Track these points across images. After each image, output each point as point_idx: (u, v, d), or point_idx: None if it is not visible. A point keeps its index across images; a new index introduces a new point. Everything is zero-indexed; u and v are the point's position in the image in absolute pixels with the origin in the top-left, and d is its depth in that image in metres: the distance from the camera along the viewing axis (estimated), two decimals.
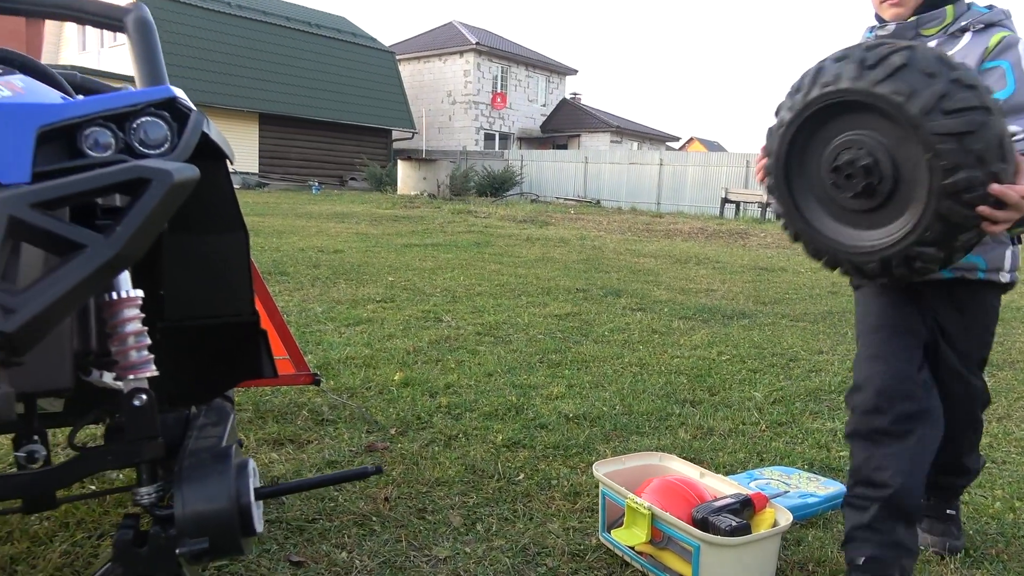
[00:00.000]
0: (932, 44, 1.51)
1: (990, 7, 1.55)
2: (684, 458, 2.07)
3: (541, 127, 31.36)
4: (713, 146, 53.87)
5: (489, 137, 29.47)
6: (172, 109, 0.89)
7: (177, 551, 0.82)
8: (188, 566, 0.88)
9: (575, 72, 32.85)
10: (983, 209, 1.22)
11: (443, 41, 29.72)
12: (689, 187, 20.79)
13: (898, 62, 1.25)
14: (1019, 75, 1.44)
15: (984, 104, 1.20)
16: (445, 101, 29.24)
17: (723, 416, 2.91)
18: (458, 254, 7.94)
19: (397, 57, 28.14)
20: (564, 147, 28.96)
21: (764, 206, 16.91)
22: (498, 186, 21.08)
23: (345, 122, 24.78)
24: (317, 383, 2.67)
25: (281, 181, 22.81)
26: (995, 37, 1.47)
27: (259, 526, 0.87)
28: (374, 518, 1.92)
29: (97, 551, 1.69)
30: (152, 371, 0.87)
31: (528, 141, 30.44)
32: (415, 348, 3.75)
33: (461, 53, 28.67)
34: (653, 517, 1.62)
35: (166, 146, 0.87)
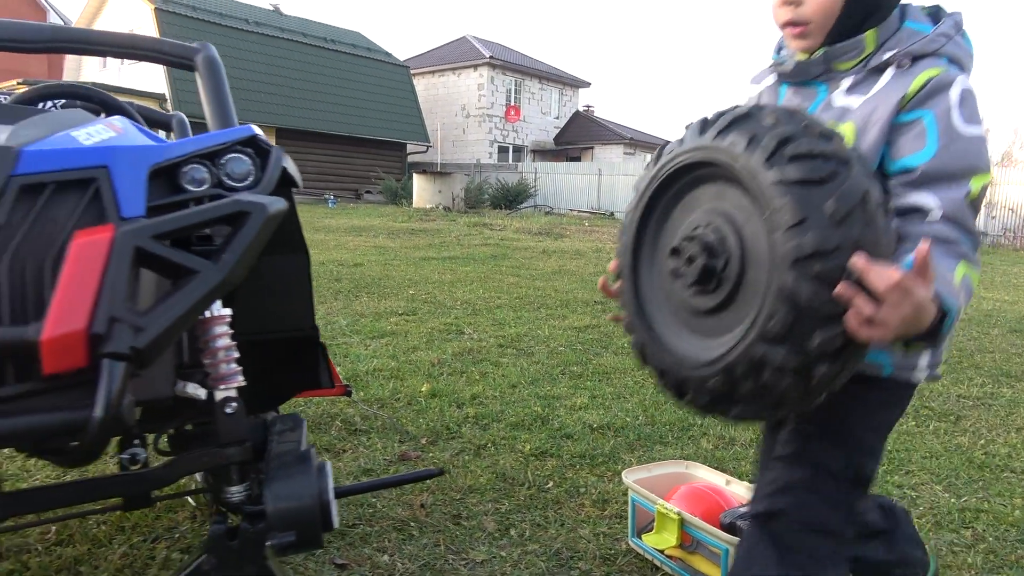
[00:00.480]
0: (847, 83, 1.19)
1: (933, 22, 1.19)
2: (709, 467, 2.14)
3: (554, 139, 31.54)
4: None
5: (503, 150, 29.67)
6: (254, 145, 0.99)
7: (268, 543, 0.91)
8: (273, 558, 0.96)
9: (588, 84, 33.05)
10: (843, 291, 0.92)
11: (457, 55, 30.01)
12: None
13: (739, 113, 1.08)
14: (944, 131, 1.08)
15: (841, 155, 0.98)
16: (459, 114, 29.49)
17: (744, 427, 2.97)
18: (476, 267, 8.04)
19: (412, 71, 28.45)
20: (577, 159, 29.10)
21: None
22: (512, 199, 21.21)
23: (360, 136, 25.07)
24: (348, 394, 2.76)
25: (297, 195, 23.03)
26: (919, 78, 1.11)
27: (336, 522, 0.96)
28: (412, 523, 2.01)
29: (153, 553, 1.78)
30: (240, 381, 0.97)
31: (542, 154, 30.60)
32: (439, 360, 3.84)
33: (475, 67, 28.94)
34: (683, 522, 1.70)
35: (251, 179, 0.97)
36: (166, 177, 0.88)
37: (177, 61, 1.32)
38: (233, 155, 0.95)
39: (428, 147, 27.20)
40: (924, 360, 1.20)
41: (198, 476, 1.93)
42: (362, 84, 25.75)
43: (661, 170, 1.18)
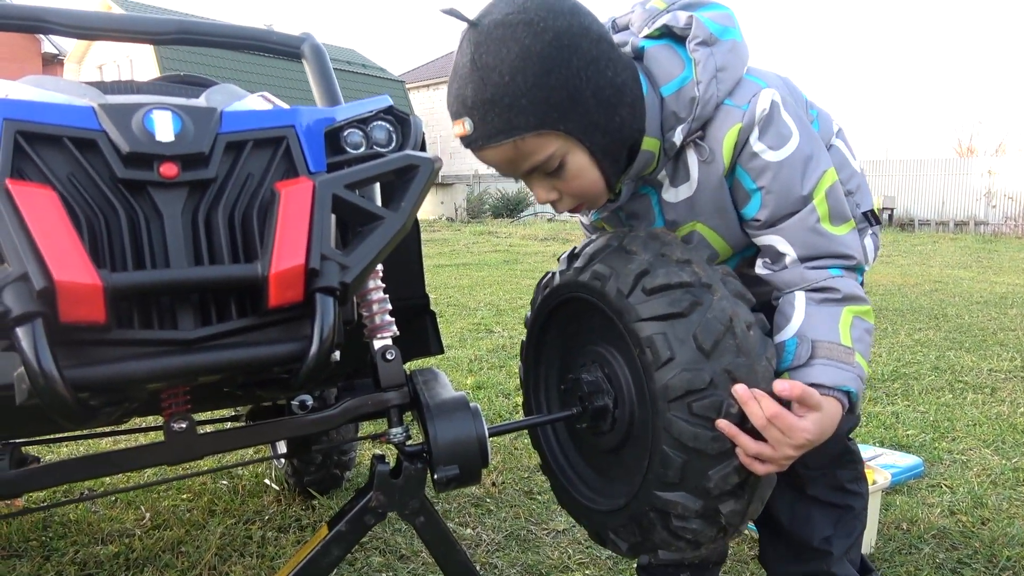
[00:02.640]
0: (665, 178, 1.11)
1: (679, 45, 1.05)
2: None
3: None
4: None
5: None
6: (392, 114, 1.06)
7: (435, 477, 0.98)
8: (432, 495, 1.03)
9: None
10: (724, 429, 0.89)
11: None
12: None
13: (599, 245, 1.05)
14: (758, 175, 1.01)
15: (701, 280, 0.94)
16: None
17: None
18: (490, 272, 8.11)
19: (407, 85, 28.61)
20: None
21: None
22: (513, 207, 21.32)
23: None
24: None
25: None
26: (727, 148, 1.02)
27: (490, 459, 1.03)
28: (488, 499, 2.07)
29: (249, 533, 1.84)
30: (395, 331, 1.04)
31: None
32: (476, 356, 3.90)
33: None
34: None
35: (392, 145, 1.04)
36: (331, 139, 0.95)
37: (284, 50, 1.39)
38: (378, 122, 1.03)
39: None
40: (871, 252, 1.21)
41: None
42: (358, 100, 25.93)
43: (542, 308, 1.19)
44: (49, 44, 32.04)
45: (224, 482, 2.18)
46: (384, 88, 27.07)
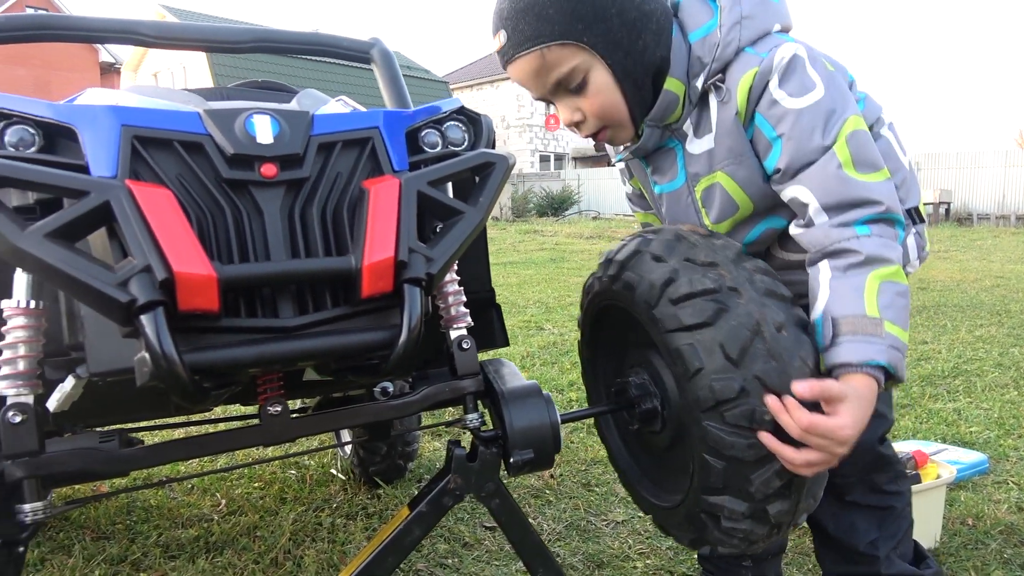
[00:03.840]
0: (689, 127, 1.12)
1: (711, 25, 1.06)
2: None
3: (595, 146, 31.57)
4: None
5: (544, 158, 29.81)
6: (464, 114, 1.11)
7: (511, 460, 1.02)
8: (507, 479, 1.08)
9: None
10: (765, 439, 0.89)
11: (494, 68, 30.30)
12: None
13: (628, 252, 1.05)
14: (778, 121, 1.01)
15: (724, 284, 0.93)
16: (499, 125, 29.75)
17: None
18: (538, 270, 8.14)
19: (451, 86, 28.83)
20: None
21: None
22: (557, 206, 21.32)
23: None
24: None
25: None
26: (740, 92, 1.03)
27: (561, 445, 1.07)
28: (547, 491, 2.11)
29: (319, 519, 1.92)
30: (470, 322, 1.08)
31: (583, 160, 30.67)
32: (528, 353, 3.94)
33: None
34: None
35: (465, 144, 1.08)
36: (410, 139, 1.00)
37: (355, 55, 1.46)
38: (451, 123, 1.07)
39: None
40: (914, 252, 1.15)
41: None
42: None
43: (587, 311, 1.21)
44: (107, 54, 33.25)
45: (292, 472, 2.27)
46: (428, 89, 27.31)
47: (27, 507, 0.84)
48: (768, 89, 1.01)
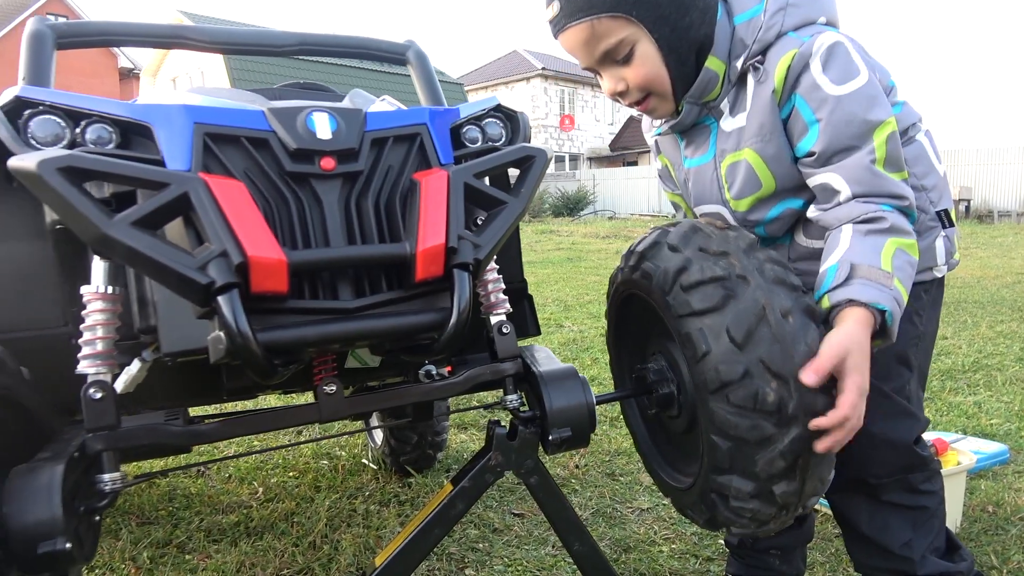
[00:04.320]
0: (726, 106, 1.17)
1: (756, 10, 1.11)
2: None
3: (610, 145, 31.56)
4: None
5: (559, 159, 29.85)
6: (502, 111, 1.17)
7: (549, 438, 1.08)
8: (544, 457, 1.13)
9: None
10: (818, 423, 0.94)
11: (509, 69, 30.39)
12: None
13: (649, 243, 1.10)
14: (819, 106, 1.05)
15: (733, 272, 0.98)
16: None
17: None
18: (555, 269, 8.20)
19: (466, 88, 28.92)
20: (634, 164, 29.05)
21: None
22: (572, 206, 21.36)
23: None
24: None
25: None
26: (779, 71, 1.07)
27: (595, 424, 1.12)
28: (572, 480, 2.16)
29: (353, 506, 1.98)
30: (508, 308, 1.14)
31: (598, 160, 30.68)
32: (550, 349, 4.00)
33: (527, 79, 29.26)
34: None
35: (503, 140, 1.14)
36: (454, 135, 1.06)
37: (391, 56, 1.52)
38: (490, 119, 1.13)
39: None
40: (940, 255, 1.19)
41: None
42: (416, 103, 26.25)
43: (612, 302, 1.26)
44: (125, 59, 33.64)
45: (325, 462, 2.34)
46: (444, 91, 27.36)
47: (107, 477, 0.91)
48: (811, 72, 1.04)
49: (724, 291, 0.97)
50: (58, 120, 0.88)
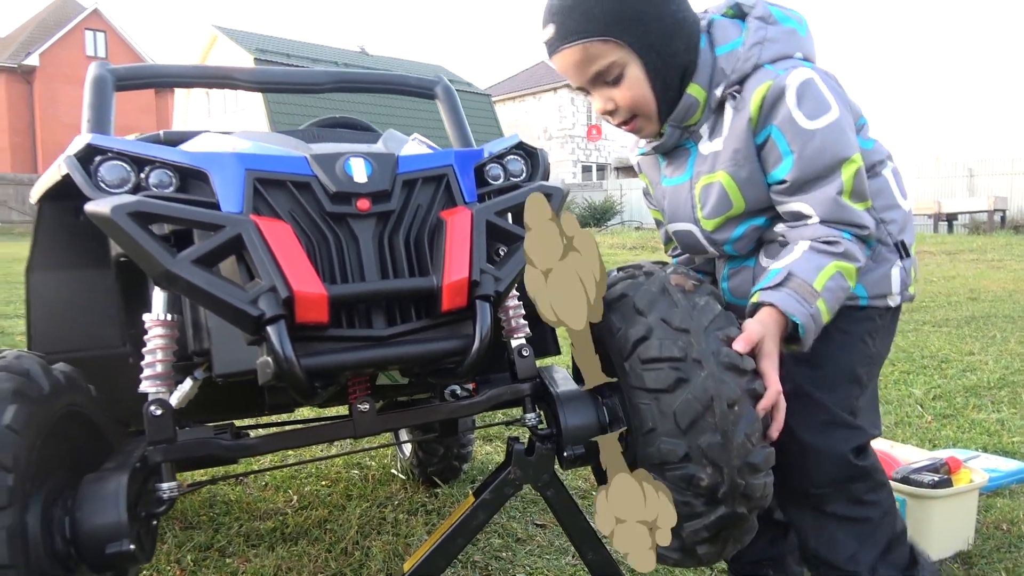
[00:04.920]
0: (705, 130, 1.25)
1: (741, 19, 1.23)
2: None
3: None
4: None
5: (586, 169, 29.93)
6: (522, 149, 1.26)
7: (564, 454, 1.16)
8: (559, 472, 1.22)
9: None
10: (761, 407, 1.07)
11: (536, 80, 30.58)
12: None
13: (618, 290, 1.15)
14: (793, 138, 1.13)
15: (690, 355, 1.04)
16: (541, 137, 29.97)
17: (885, 412, 3.05)
18: None
19: (493, 99, 29.16)
20: None
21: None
22: (599, 216, 21.39)
23: None
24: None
25: None
26: (754, 100, 1.15)
27: None
28: (593, 492, 2.23)
29: (383, 515, 2.08)
30: (528, 332, 1.23)
31: (625, 170, 30.66)
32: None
33: (554, 89, 29.40)
34: None
35: (524, 175, 1.23)
36: (478, 173, 1.16)
37: (420, 92, 1.62)
38: (512, 157, 1.23)
39: None
40: (896, 283, 1.25)
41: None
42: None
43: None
44: None
45: (356, 471, 2.44)
46: (472, 102, 27.67)
47: (164, 485, 1.01)
48: (786, 105, 1.13)
49: (678, 374, 1.04)
50: (125, 165, 0.99)
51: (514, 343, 1.21)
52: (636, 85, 1.20)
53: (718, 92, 1.21)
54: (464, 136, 1.56)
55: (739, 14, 1.26)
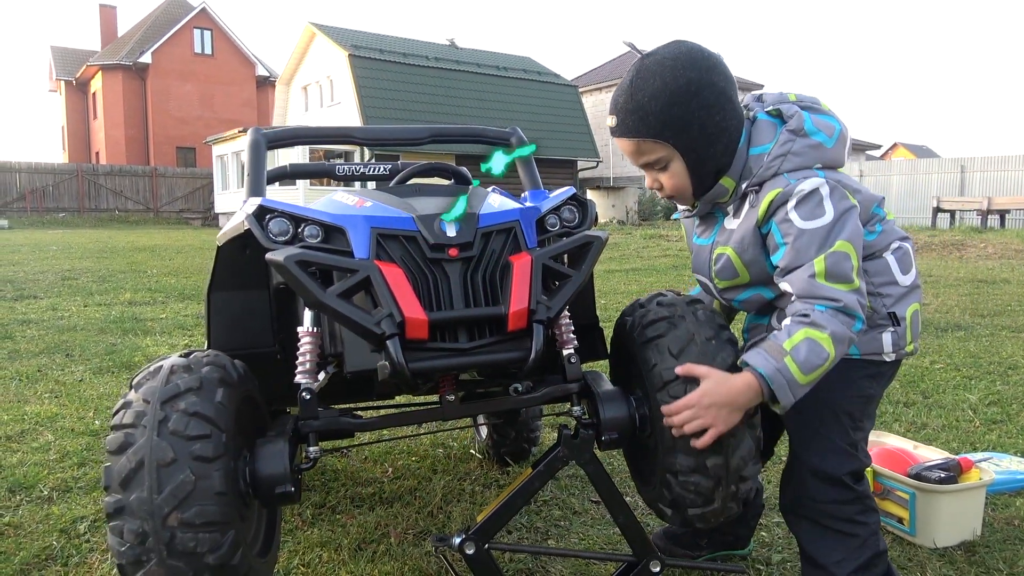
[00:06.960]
0: (732, 209, 1.52)
1: (781, 123, 1.45)
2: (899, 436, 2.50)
3: None
4: (921, 151, 49.17)
5: None
6: (575, 199, 1.60)
7: (602, 439, 1.51)
8: (598, 453, 1.57)
9: (761, 87, 32.14)
10: (666, 408, 1.37)
11: (622, 70, 30.33)
12: (894, 197, 19.78)
13: (658, 331, 1.47)
14: (787, 233, 1.37)
15: (672, 314, 1.46)
16: None
17: (936, 415, 3.21)
18: (659, 277, 8.46)
19: (580, 89, 29.28)
20: None
21: (984, 214, 15.76)
22: (672, 207, 21.25)
23: (535, 156, 26.16)
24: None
25: None
26: (765, 202, 1.41)
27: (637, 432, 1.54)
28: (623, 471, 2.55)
29: (463, 487, 2.47)
30: (576, 343, 1.57)
31: None
32: None
33: None
34: (875, 473, 2.11)
35: (575, 222, 1.58)
36: (538, 223, 1.51)
37: (497, 141, 1.98)
38: (567, 207, 1.57)
39: (598, 162, 27.82)
40: (888, 345, 1.48)
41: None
42: (534, 106, 26.86)
43: (613, 338, 1.71)
44: (263, 68, 36.34)
45: (440, 450, 2.85)
46: (558, 93, 27.88)
47: (311, 449, 1.42)
48: (786, 208, 1.38)
49: (667, 325, 1.45)
50: (286, 222, 1.39)
51: (565, 352, 1.56)
52: (677, 176, 1.47)
53: (743, 186, 1.45)
54: (533, 178, 1.91)
55: (779, 116, 1.47)
